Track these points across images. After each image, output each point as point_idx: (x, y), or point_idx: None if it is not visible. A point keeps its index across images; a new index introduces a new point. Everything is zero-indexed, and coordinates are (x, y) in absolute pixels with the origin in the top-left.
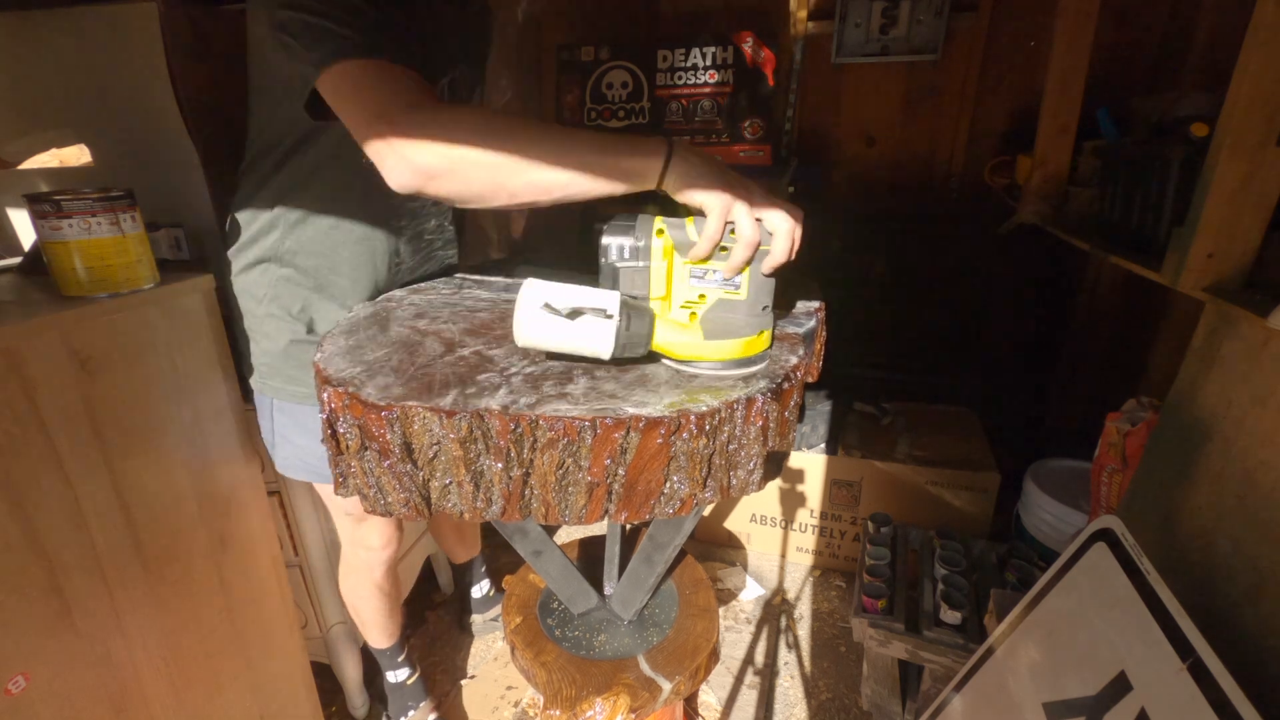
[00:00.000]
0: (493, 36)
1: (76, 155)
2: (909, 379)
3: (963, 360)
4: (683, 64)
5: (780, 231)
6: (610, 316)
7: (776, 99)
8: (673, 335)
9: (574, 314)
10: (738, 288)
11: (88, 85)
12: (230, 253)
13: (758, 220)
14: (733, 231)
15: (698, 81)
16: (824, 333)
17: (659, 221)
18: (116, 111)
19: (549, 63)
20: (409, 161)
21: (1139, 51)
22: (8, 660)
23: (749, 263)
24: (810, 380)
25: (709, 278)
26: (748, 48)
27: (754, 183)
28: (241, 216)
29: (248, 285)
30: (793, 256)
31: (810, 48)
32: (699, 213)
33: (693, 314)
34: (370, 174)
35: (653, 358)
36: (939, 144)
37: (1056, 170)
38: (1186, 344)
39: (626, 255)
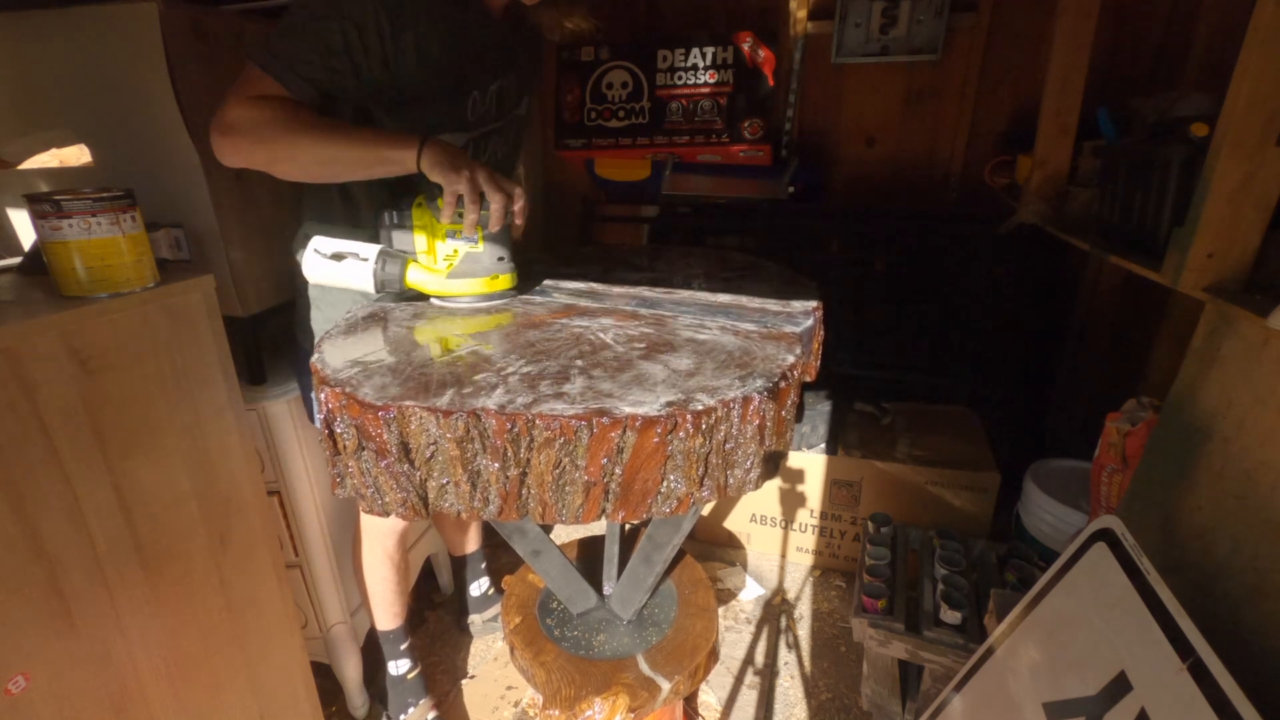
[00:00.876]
0: (542, 55)
1: (76, 155)
2: (909, 379)
3: (963, 360)
4: (683, 64)
5: (495, 200)
6: (365, 260)
7: (776, 99)
8: (424, 277)
9: (337, 256)
10: (476, 243)
11: (88, 85)
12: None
13: (480, 194)
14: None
15: (698, 81)
16: (822, 332)
17: (420, 198)
18: (116, 111)
19: (549, 63)
20: (224, 139)
21: (1139, 51)
22: (8, 660)
23: (476, 224)
24: (808, 380)
25: (459, 238)
26: (747, 48)
27: (483, 167)
28: (312, 194)
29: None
30: (519, 220)
31: (810, 48)
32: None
33: (450, 264)
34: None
35: (420, 295)
36: (939, 144)
37: (1056, 170)
38: (1186, 344)
39: (395, 221)
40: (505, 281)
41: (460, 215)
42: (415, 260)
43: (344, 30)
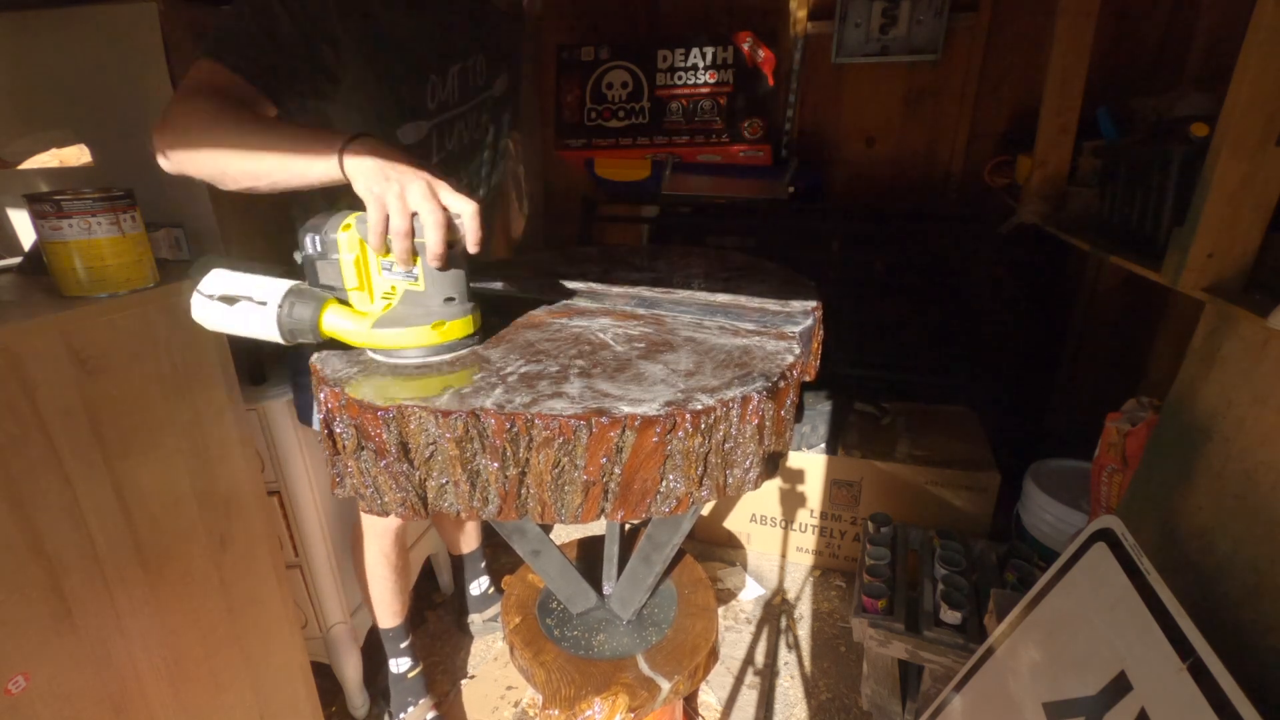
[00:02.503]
0: (519, 38)
1: (76, 155)
2: (909, 379)
3: (963, 360)
4: (683, 64)
5: (429, 224)
6: (263, 304)
7: (776, 99)
8: (345, 324)
9: (227, 299)
10: (416, 278)
11: (88, 85)
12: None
13: (414, 213)
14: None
15: (697, 81)
16: (821, 332)
17: (350, 216)
18: (116, 111)
19: (549, 63)
20: (158, 138)
21: (1139, 51)
22: (8, 660)
23: (409, 253)
24: (808, 380)
25: (395, 270)
26: (747, 48)
27: (421, 174)
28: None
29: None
30: (473, 246)
31: (810, 48)
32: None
33: (388, 305)
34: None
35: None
36: (939, 144)
37: (1056, 170)
38: (1186, 344)
39: (318, 248)
40: (456, 329)
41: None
42: (336, 301)
43: (286, 5)
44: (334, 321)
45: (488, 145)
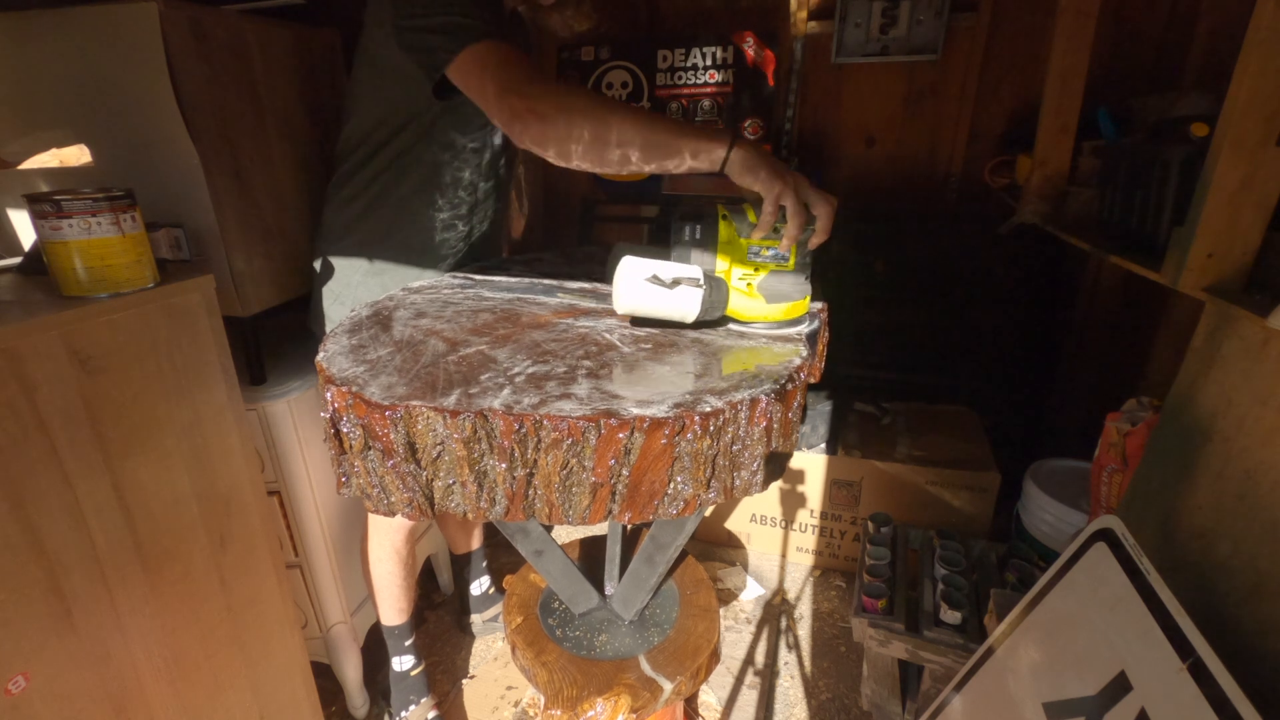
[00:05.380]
0: (530, 43)
1: (76, 155)
2: (909, 379)
3: (963, 360)
4: (683, 64)
5: (823, 214)
6: (700, 285)
7: (776, 99)
8: (741, 302)
9: (675, 283)
10: (786, 260)
11: (88, 85)
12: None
13: (804, 205)
14: (783, 214)
15: (698, 81)
16: (826, 333)
17: (721, 209)
18: (116, 111)
19: (549, 63)
20: (536, 120)
21: (1139, 51)
22: (8, 660)
23: (797, 238)
24: (812, 381)
25: (763, 254)
26: (748, 48)
27: (799, 174)
28: (340, 197)
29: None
30: (827, 236)
31: (810, 48)
32: (755, 196)
33: (749, 284)
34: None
35: (721, 321)
36: (939, 144)
37: (1056, 170)
38: (1186, 344)
39: (697, 236)
40: (808, 304)
41: (776, 230)
42: (732, 286)
43: None
44: (736, 302)
45: (519, 158)
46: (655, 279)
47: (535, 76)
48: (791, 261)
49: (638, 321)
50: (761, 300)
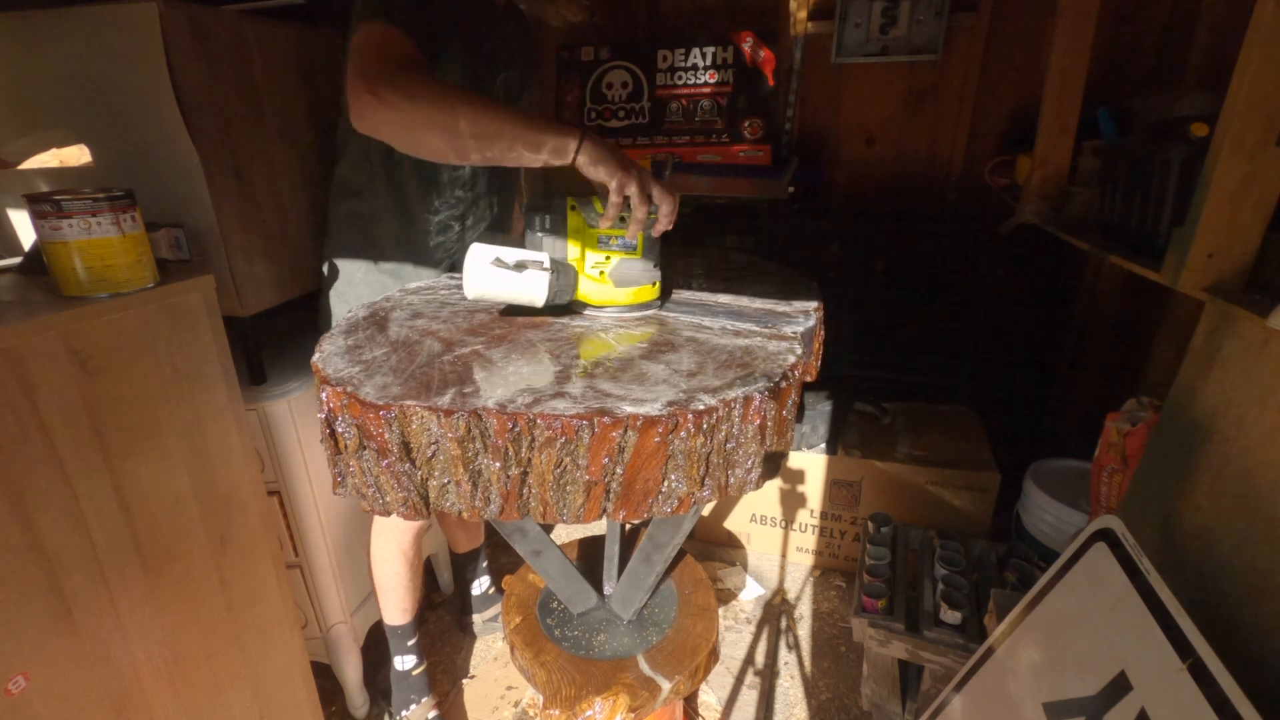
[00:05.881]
0: (537, 51)
1: (76, 155)
2: (909, 379)
3: (963, 360)
4: (683, 64)
5: (665, 203)
6: (546, 269)
7: (776, 99)
8: (590, 286)
9: (520, 266)
10: (634, 249)
11: (88, 85)
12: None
13: (648, 195)
14: (628, 204)
15: (698, 81)
16: (822, 332)
17: (570, 200)
18: (116, 111)
19: (549, 63)
20: (375, 105)
21: (1139, 51)
22: (8, 660)
23: (642, 226)
24: (809, 380)
25: (613, 243)
26: (748, 48)
27: (642, 166)
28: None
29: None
30: (670, 225)
31: (810, 48)
32: (604, 188)
33: (602, 272)
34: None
35: (573, 306)
36: (939, 144)
37: (1056, 170)
38: (1186, 344)
39: (547, 225)
40: (657, 290)
41: (621, 220)
42: (581, 272)
43: None
44: (586, 286)
45: None
46: (499, 262)
47: (403, 66)
48: (639, 250)
49: (510, 310)
50: (610, 285)
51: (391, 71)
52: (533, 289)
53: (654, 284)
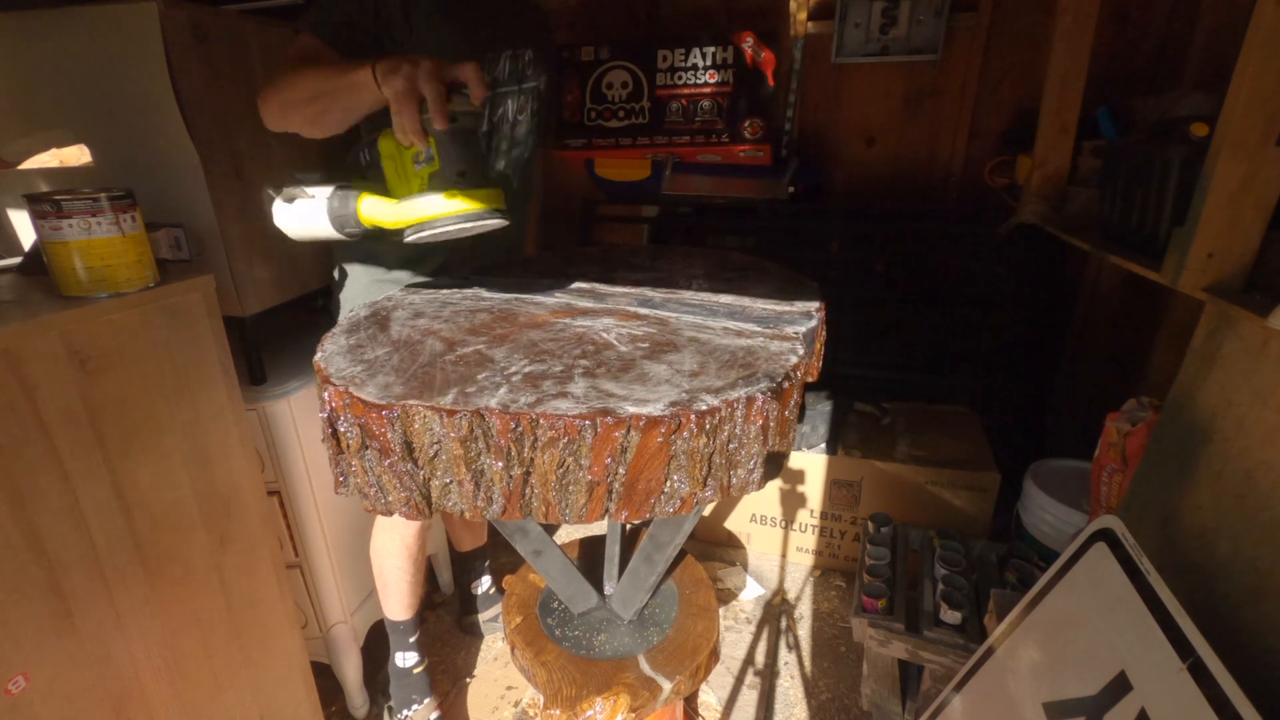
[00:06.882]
0: (551, 35)
1: (76, 155)
2: (909, 379)
3: (963, 360)
4: (683, 64)
5: (464, 72)
6: (313, 198)
7: (776, 99)
8: (377, 208)
9: (290, 199)
10: (434, 160)
11: (88, 85)
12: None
13: (441, 81)
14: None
15: (698, 81)
16: (824, 332)
17: (387, 129)
18: (116, 111)
19: None
20: (260, 101)
21: (1139, 51)
22: (8, 660)
23: (417, 128)
24: (810, 380)
25: (420, 160)
26: (748, 48)
27: (426, 60)
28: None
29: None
30: (476, 100)
31: (810, 48)
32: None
33: (420, 187)
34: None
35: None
36: (939, 144)
37: (1056, 170)
38: (1186, 344)
39: (367, 157)
40: (473, 201)
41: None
42: (370, 193)
43: None
44: (370, 208)
45: (532, 131)
46: (272, 196)
47: (288, 64)
48: (435, 161)
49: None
50: (394, 206)
51: (275, 72)
52: (310, 219)
53: (457, 193)
